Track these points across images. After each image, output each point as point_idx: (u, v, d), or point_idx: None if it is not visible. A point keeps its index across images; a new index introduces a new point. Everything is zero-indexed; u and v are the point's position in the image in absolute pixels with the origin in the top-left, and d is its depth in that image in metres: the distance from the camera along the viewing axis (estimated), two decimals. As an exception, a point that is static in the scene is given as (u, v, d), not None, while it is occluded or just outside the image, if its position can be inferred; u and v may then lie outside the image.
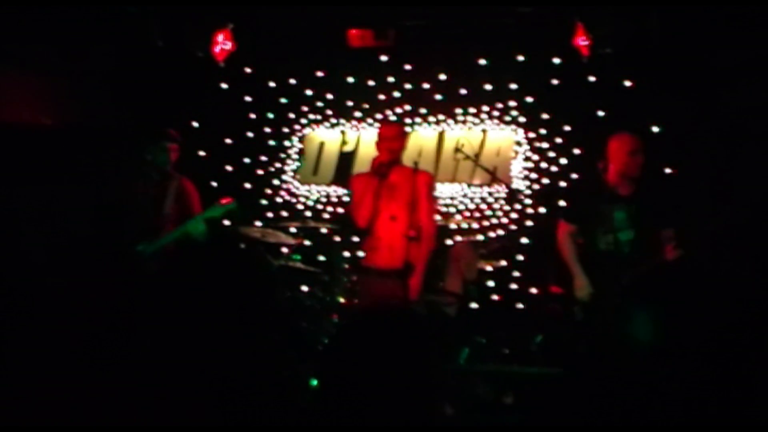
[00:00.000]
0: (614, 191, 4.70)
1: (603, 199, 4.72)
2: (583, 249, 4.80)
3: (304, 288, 6.54)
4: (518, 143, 6.93)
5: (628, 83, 6.43)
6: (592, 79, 6.54)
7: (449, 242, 6.64)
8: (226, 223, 6.93)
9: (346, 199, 7.10)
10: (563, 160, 6.74)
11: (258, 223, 6.89)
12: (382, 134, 5.13)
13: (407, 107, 7.11)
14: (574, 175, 6.54)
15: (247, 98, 7.24)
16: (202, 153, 7.15)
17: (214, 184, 6.91)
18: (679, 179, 6.26)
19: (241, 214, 5.93)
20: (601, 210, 4.69)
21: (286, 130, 7.32)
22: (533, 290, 6.51)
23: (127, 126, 6.28)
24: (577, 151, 6.61)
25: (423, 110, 7.09)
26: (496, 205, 6.96)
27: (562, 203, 6.20)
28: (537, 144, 6.86)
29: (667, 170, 6.32)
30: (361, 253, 5.20)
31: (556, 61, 6.65)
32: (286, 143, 7.35)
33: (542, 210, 6.69)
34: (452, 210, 7.01)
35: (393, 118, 7.12)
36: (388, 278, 4.91)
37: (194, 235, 5.25)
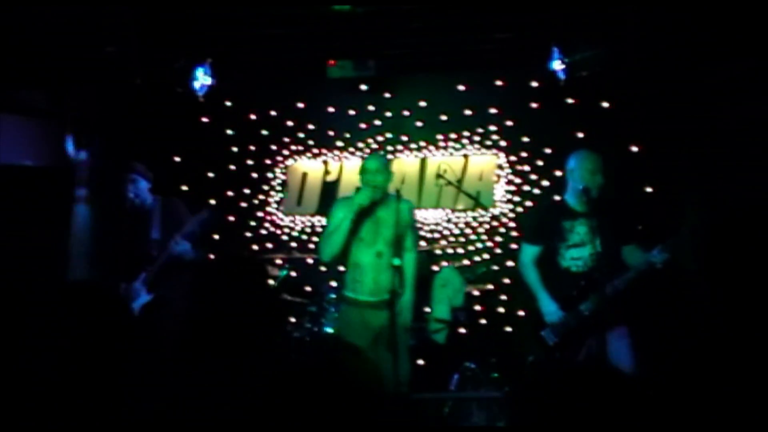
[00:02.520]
0: (574, 208, 4.71)
1: (564, 216, 4.72)
2: (548, 268, 4.76)
3: (292, 319, 6.52)
4: (500, 167, 6.98)
5: (605, 104, 6.51)
6: (570, 101, 6.62)
7: (435, 268, 6.65)
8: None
9: (330, 229, 7.09)
10: (545, 183, 6.79)
11: (242, 254, 6.86)
12: (364, 167, 5.06)
13: (388, 135, 7.15)
14: (557, 197, 6.58)
15: (229, 131, 7.25)
16: (184, 187, 7.13)
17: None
18: (654, 197, 6.33)
19: (216, 222, 5.91)
20: (563, 226, 4.68)
21: (268, 161, 7.33)
22: (521, 313, 6.52)
23: (107, 165, 6.28)
24: (558, 173, 6.64)
25: (404, 138, 7.13)
26: (480, 230, 6.99)
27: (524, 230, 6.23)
28: (519, 167, 6.91)
29: (648, 189, 6.40)
30: (345, 284, 5.15)
31: (535, 84, 6.72)
32: (269, 175, 7.35)
33: (525, 232, 6.70)
34: (437, 236, 7.02)
35: (374, 146, 7.16)
36: (374, 309, 4.90)
37: (177, 252, 5.24)
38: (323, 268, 6.91)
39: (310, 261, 6.92)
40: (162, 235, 5.36)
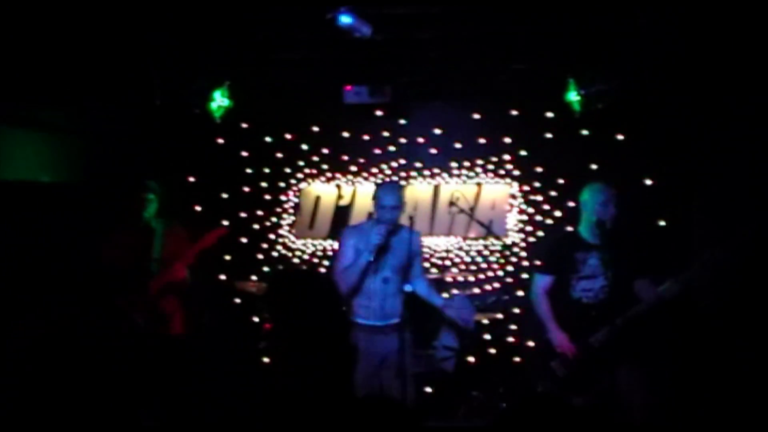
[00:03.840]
0: (587, 240, 4.71)
1: (576, 247, 4.72)
2: (559, 299, 4.75)
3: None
4: (513, 196, 6.99)
5: (620, 137, 6.52)
6: (584, 132, 6.64)
7: (445, 296, 6.64)
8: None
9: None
10: (558, 213, 6.79)
11: (254, 278, 6.89)
12: (382, 203, 4.97)
13: (402, 161, 7.18)
14: (569, 228, 6.58)
15: (244, 153, 7.29)
16: (198, 207, 7.17)
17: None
18: (668, 230, 6.32)
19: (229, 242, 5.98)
20: (575, 257, 4.68)
21: (282, 184, 7.36)
22: (530, 343, 6.50)
23: (122, 182, 6.32)
24: (571, 204, 6.65)
25: (418, 164, 7.16)
26: (491, 258, 6.99)
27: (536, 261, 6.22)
28: (531, 197, 6.93)
29: (661, 222, 6.39)
30: (350, 308, 5.15)
31: (549, 115, 6.75)
32: (282, 197, 7.38)
33: (538, 263, 6.70)
34: (448, 263, 7.02)
35: (388, 172, 7.18)
36: (382, 334, 4.91)
37: (176, 282, 5.30)
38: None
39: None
40: (160, 254, 5.40)
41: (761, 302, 5.42)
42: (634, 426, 4.39)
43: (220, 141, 7.22)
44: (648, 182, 6.45)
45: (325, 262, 7.28)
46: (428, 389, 6.11)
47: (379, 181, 7.18)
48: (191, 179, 7.20)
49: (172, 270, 5.37)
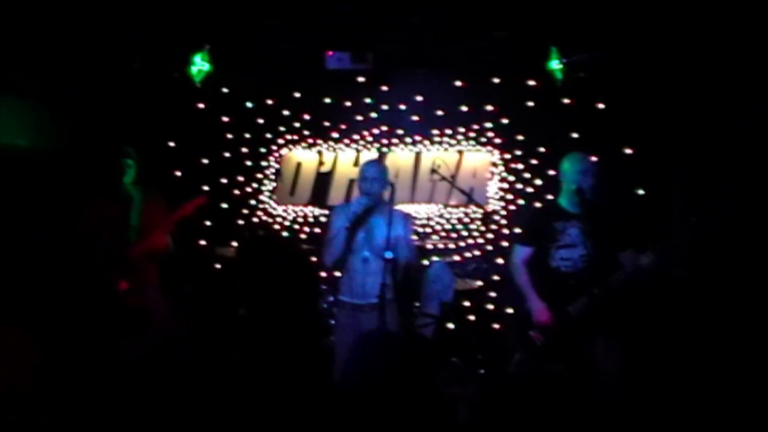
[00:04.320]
0: (567, 210, 4.73)
1: (556, 217, 4.74)
2: (538, 268, 4.78)
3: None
4: (494, 164, 7.00)
5: (601, 105, 6.53)
6: (566, 101, 6.64)
7: (425, 263, 6.67)
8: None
9: (323, 219, 7.12)
10: (538, 181, 6.82)
11: (234, 244, 6.88)
12: (363, 174, 5.01)
13: (384, 128, 7.16)
14: (550, 197, 6.61)
15: (224, 118, 7.23)
16: (178, 173, 7.13)
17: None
18: (646, 200, 6.37)
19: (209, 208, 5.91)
20: (555, 226, 4.71)
21: (263, 150, 7.32)
22: (509, 311, 6.56)
23: (101, 147, 6.25)
24: (552, 172, 6.67)
25: (400, 131, 7.14)
26: (472, 226, 7.02)
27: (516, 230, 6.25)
28: (512, 165, 6.94)
29: (640, 191, 6.43)
30: (339, 288, 5.17)
31: (531, 83, 6.74)
32: (263, 163, 7.35)
33: (517, 232, 6.74)
34: (428, 231, 7.04)
35: (369, 138, 7.16)
36: (362, 312, 4.93)
37: (157, 249, 5.25)
38: (314, 259, 6.93)
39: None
40: (138, 221, 5.34)
41: (737, 273, 5.49)
42: (609, 396, 4.45)
43: (201, 106, 7.16)
44: (628, 151, 6.47)
45: (306, 229, 7.28)
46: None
47: (360, 148, 7.17)
48: (171, 144, 7.15)
49: (151, 238, 5.31)
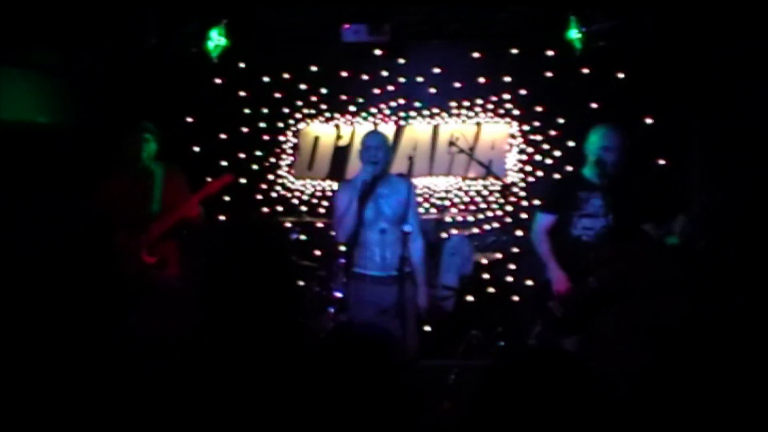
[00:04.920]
0: (591, 180, 4.72)
1: (580, 187, 4.72)
2: (559, 237, 4.77)
3: (301, 283, 6.56)
4: (512, 136, 6.96)
5: (621, 75, 6.46)
6: (585, 71, 6.57)
7: (444, 236, 6.66)
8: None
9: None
10: (557, 153, 6.77)
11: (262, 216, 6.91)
12: (365, 144, 5.06)
13: (401, 101, 7.13)
14: (569, 168, 6.56)
15: (242, 93, 7.22)
16: (196, 148, 7.14)
17: (209, 179, 6.88)
18: (669, 173, 6.31)
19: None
20: (578, 196, 4.69)
21: (280, 124, 7.32)
22: (528, 283, 6.55)
23: (119, 123, 6.27)
24: (571, 144, 6.63)
25: (417, 104, 7.11)
26: (491, 198, 6.99)
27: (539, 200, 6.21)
28: (531, 137, 6.90)
29: (661, 161, 6.37)
30: (352, 259, 5.17)
31: (550, 54, 6.67)
32: (281, 138, 7.35)
33: (537, 202, 6.71)
34: (447, 203, 7.03)
35: (387, 111, 7.14)
36: (382, 285, 4.94)
37: (190, 217, 5.24)
38: (333, 233, 6.95)
39: (320, 225, 6.94)
40: (160, 198, 5.34)
41: (757, 246, 5.44)
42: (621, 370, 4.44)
43: (218, 81, 7.15)
44: (648, 121, 6.41)
45: (324, 203, 7.28)
46: (427, 328, 6.17)
47: (378, 122, 7.15)
48: (189, 120, 7.16)
49: (185, 207, 5.31)
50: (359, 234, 5.00)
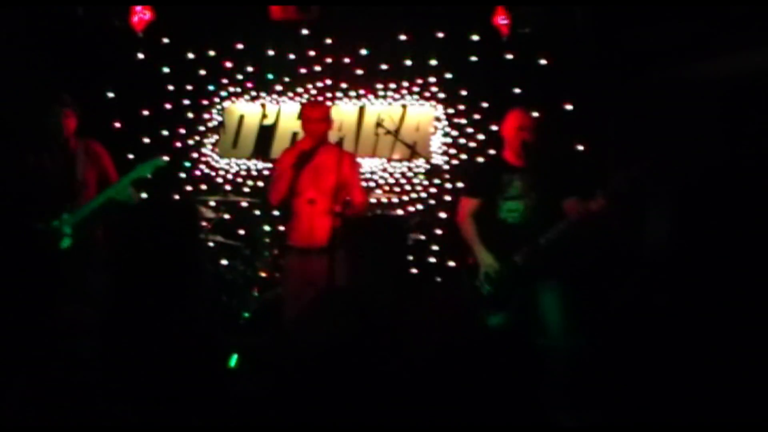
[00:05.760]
0: (511, 163, 4.84)
1: (502, 169, 4.83)
2: (485, 220, 4.87)
3: (225, 262, 6.53)
4: (437, 119, 7.05)
5: (543, 61, 6.61)
6: (509, 57, 6.70)
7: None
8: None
9: (266, 172, 7.10)
10: (480, 136, 6.90)
11: (176, 197, 6.82)
12: (306, 115, 5.12)
13: (328, 81, 7.13)
14: (492, 151, 6.69)
15: (165, 69, 7.10)
16: (117, 124, 7.00)
17: (131, 156, 6.76)
18: (587, 154, 6.51)
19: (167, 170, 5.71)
20: (501, 179, 4.80)
21: (205, 102, 7.24)
22: (451, 263, 6.67)
23: (39, 96, 6.07)
24: (494, 128, 6.74)
25: (344, 85, 7.13)
26: (415, 180, 7.08)
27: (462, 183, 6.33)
28: (456, 120, 7.00)
29: (579, 147, 6.56)
30: (283, 230, 5.21)
31: (476, 38, 6.78)
32: (205, 116, 7.27)
33: (460, 185, 6.82)
34: (372, 184, 7.08)
35: (314, 92, 7.14)
36: (309, 256, 4.96)
37: (120, 199, 5.08)
38: (257, 212, 6.94)
39: (244, 204, 6.91)
40: (83, 175, 5.18)
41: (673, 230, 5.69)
42: (556, 345, 4.58)
43: (141, 56, 7.01)
44: (568, 107, 6.58)
45: (249, 182, 7.25)
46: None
47: (304, 102, 7.14)
48: (111, 95, 7.00)
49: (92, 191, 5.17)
50: (292, 205, 5.04)
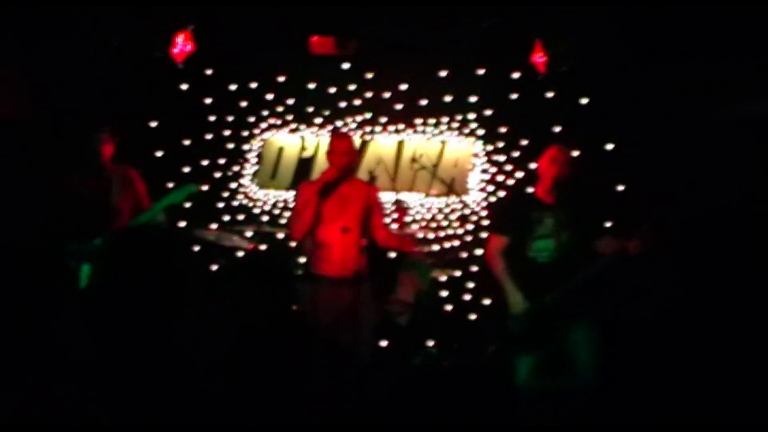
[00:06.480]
0: (542, 200, 4.75)
1: (532, 207, 4.75)
2: (516, 258, 4.79)
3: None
4: (476, 155, 7.00)
5: (584, 100, 6.54)
6: (549, 94, 6.64)
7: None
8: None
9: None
10: (520, 174, 6.82)
11: (213, 226, 6.86)
12: (332, 147, 5.10)
13: (367, 115, 7.14)
14: (530, 189, 6.61)
15: (207, 100, 7.19)
16: (159, 153, 7.09)
17: (171, 185, 6.84)
18: (625, 192, 6.40)
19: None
20: (531, 217, 4.71)
21: (245, 133, 7.29)
22: (486, 301, 6.57)
23: (80, 125, 6.20)
24: (533, 166, 6.67)
25: (383, 119, 7.12)
26: (452, 216, 7.01)
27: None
28: (494, 157, 6.94)
29: (620, 187, 6.45)
30: (310, 261, 5.17)
31: (515, 75, 6.74)
32: (245, 147, 7.32)
33: (492, 223, 6.73)
34: (408, 219, 7.03)
35: (353, 125, 7.15)
36: (340, 287, 4.92)
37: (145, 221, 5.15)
38: (293, 244, 6.93)
39: (280, 236, 6.91)
40: (117, 201, 5.26)
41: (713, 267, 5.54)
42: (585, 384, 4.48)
43: (183, 87, 7.11)
44: (609, 146, 6.48)
45: (286, 214, 7.26)
46: (383, 343, 6.15)
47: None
48: (152, 125, 7.10)
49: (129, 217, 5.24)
50: (320, 234, 5.02)
